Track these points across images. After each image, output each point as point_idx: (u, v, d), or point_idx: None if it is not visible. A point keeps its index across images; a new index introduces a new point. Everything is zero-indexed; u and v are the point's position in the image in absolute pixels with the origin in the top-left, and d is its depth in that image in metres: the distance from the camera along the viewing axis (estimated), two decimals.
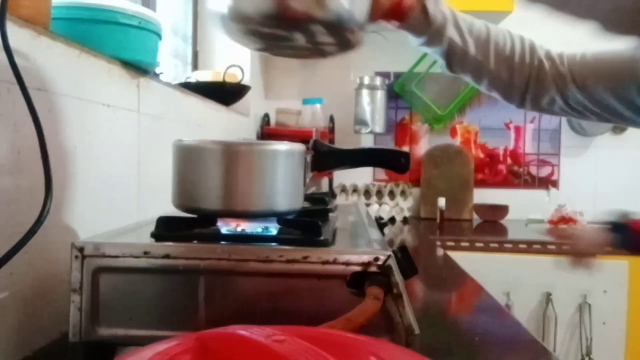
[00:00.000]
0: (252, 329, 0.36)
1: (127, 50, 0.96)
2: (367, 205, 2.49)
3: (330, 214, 0.85)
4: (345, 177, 2.67)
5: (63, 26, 0.86)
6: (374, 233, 0.76)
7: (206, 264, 0.58)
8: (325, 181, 2.67)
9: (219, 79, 1.82)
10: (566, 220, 2.46)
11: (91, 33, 0.90)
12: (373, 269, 0.57)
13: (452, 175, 2.67)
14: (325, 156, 0.73)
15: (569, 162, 2.72)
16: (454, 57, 0.92)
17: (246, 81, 1.88)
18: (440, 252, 1.76)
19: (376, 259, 0.58)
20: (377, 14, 0.86)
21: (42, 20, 0.74)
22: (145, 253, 0.58)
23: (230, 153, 0.64)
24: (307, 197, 0.78)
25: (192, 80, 1.84)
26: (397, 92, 2.72)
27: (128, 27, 0.94)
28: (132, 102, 1.01)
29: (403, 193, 2.59)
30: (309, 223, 0.64)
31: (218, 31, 0.76)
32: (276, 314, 0.58)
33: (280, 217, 0.67)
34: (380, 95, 2.58)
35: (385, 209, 2.51)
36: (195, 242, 0.61)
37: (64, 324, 0.61)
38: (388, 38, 2.76)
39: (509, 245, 2.12)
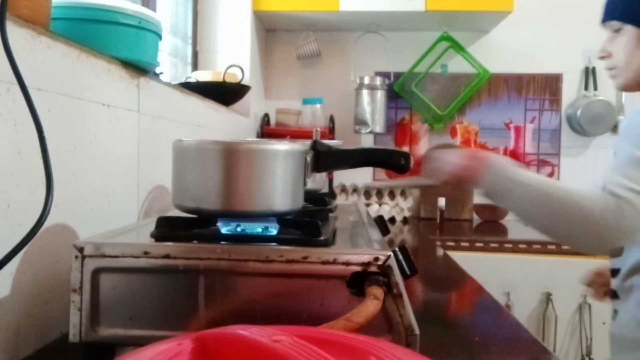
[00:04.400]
0: (252, 329, 0.36)
1: (127, 50, 0.96)
2: (367, 205, 2.49)
3: (330, 214, 0.85)
4: (345, 177, 2.67)
5: (63, 26, 0.86)
6: (374, 233, 0.76)
7: (206, 264, 0.58)
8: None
9: (219, 79, 1.82)
10: None
11: (91, 33, 0.90)
12: (373, 269, 0.57)
13: None
14: (325, 156, 0.73)
15: (569, 162, 2.72)
16: None
17: (246, 81, 1.88)
18: (440, 252, 1.76)
19: (376, 259, 0.58)
20: None
21: (42, 20, 0.74)
22: (145, 253, 0.58)
23: (230, 153, 0.64)
24: (307, 197, 0.78)
25: (192, 80, 1.84)
26: (397, 92, 2.72)
27: (128, 27, 0.94)
28: (132, 102, 1.01)
29: (403, 193, 2.59)
30: (309, 223, 0.64)
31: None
32: (276, 314, 0.58)
33: (280, 217, 0.67)
34: (380, 95, 2.58)
35: (385, 209, 2.51)
36: (195, 242, 0.61)
37: (64, 324, 0.61)
38: (388, 38, 2.76)
39: (509, 245, 2.12)
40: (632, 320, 1.05)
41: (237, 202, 0.64)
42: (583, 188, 0.94)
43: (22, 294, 0.69)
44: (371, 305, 0.52)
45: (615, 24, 1.10)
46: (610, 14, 1.11)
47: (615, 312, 1.10)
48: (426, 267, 1.44)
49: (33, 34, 0.70)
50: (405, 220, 2.53)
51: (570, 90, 2.70)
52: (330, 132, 2.60)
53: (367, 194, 2.60)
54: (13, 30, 0.65)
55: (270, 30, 2.78)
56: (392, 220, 2.50)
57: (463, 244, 2.12)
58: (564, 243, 1.06)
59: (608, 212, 0.89)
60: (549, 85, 2.69)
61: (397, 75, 2.72)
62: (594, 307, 2.06)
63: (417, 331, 0.58)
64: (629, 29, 1.08)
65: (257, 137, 2.59)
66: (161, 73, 1.35)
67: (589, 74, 2.67)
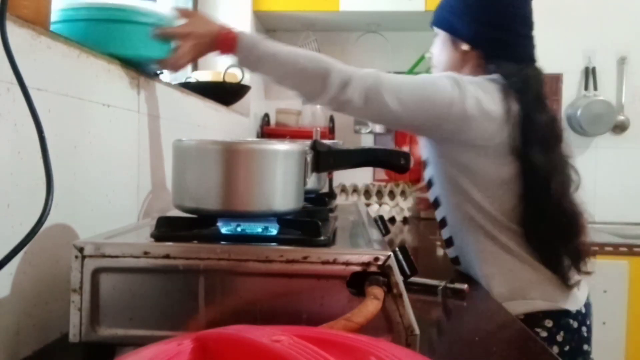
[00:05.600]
0: (252, 329, 0.36)
1: (128, 49, 0.96)
2: (367, 205, 2.49)
3: (330, 214, 0.85)
4: (345, 177, 2.67)
5: (63, 26, 0.86)
6: (374, 233, 0.76)
7: (206, 264, 0.58)
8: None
9: (219, 78, 1.82)
10: None
11: (91, 33, 0.90)
12: (373, 269, 0.57)
13: None
14: (325, 156, 0.73)
15: None
16: None
17: (246, 81, 1.88)
18: (440, 252, 1.76)
19: (376, 259, 0.58)
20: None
21: (42, 20, 0.74)
22: (145, 253, 0.58)
23: (230, 153, 0.64)
24: (307, 197, 0.78)
25: (192, 80, 1.84)
26: None
27: (142, 25, 0.96)
28: (132, 102, 1.01)
29: (403, 193, 2.59)
30: (309, 223, 0.64)
31: None
32: (276, 314, 0.58)
33: (280, 217, 0.67)
34: None
35: (385, 209, 2.51)
36: (195, 242, 0.61)
37: (64, 324, 0.61)
38: (388, 38, 2.76)
39: None
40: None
41: (237, 202, 0.64)
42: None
43: (22, 294, 0.69)
44: (371, 305, 0.52)
45: (435, 28, 1.34)
46: (432, 21, 1.35)
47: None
48: (426, 267, 1.44)
49: (33, 34, 0.70)
50: (405, 220, 2.53)
51: (570, 90, 2.70)
52: (330, 132, 2.60)
53: (367, 193, 2.60)
54: (13, 30, 0.65)
55: (270, 30, 2.78)
56: (392, 220, 2.50)
57: None
58: (310, 100, 1.24)
59: (360, 81, 1.08)
60: (549, 85, 2.69)
61: None
62: (594, 308, 2.06)
63: (417, 331, 0.58)
64: (441, 33, 1.32)
65: (257, 137, 2.59)
66: (161, 73, 1.35)
67: (589, 74, 2.67)
